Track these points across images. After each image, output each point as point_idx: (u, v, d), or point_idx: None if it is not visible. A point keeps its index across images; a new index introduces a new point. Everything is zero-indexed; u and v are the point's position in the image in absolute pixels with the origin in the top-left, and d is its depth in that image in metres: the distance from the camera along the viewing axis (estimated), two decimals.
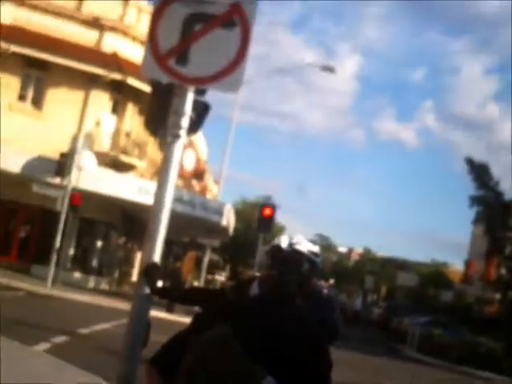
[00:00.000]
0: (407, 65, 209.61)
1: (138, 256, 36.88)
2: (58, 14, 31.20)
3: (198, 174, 48.30)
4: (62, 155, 26.49)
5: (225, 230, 34.15)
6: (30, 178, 26.78)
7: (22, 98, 30.95)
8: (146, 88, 25.48)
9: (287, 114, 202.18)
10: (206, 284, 42.96)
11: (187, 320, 5.19)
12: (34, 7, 30.87)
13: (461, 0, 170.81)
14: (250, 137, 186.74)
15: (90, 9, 31.75)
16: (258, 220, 24.13)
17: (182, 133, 4.81)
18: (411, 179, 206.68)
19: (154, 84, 5.15)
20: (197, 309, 4.99)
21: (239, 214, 49.30)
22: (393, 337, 40.75)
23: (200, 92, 5.00)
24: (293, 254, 4.07)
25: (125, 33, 32.11)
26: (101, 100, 31.58)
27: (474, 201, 37.53)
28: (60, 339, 13.11)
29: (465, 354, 29.46)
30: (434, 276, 77.23)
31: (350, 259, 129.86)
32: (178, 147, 4.81)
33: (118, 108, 32.50)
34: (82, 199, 26.54)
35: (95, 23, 31.77)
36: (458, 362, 28.77)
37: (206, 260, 37.43)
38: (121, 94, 32.06)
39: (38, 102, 31.03)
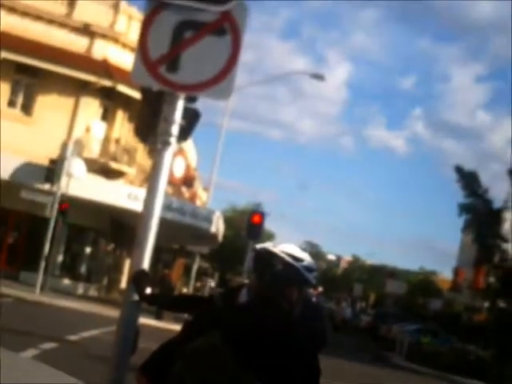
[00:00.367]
0: (398, 72, 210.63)
1: (127, 263, 36.74)
2: (48, 20, 31.13)
3: (188, 181, 48.18)
4: (52, 161, 26.46)
5: (214, 237, 34.15)
6: (19, 184, 26.69)
7: (11, 104, 30.84)
8: (136, 95, 25.43)
9: (277, 122, 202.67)
10: (195, 291, 42.89)
11: (176, 327, 5.20)
12: (25, 14, 30.81)
13: (451, 8, 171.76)
14: (241, 144, 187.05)
15: (80, 16, 31.69)
16: (247, 227, 24.02)
17: (172, 140, 4.81)
18: (400, 187, 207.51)
19: (145, 91, 5.14)
20: (187, 316, 4.98)
21: (228, 221, 49.29)
22: (381, 344, 40.77)
23: (190, 99, 5.01)
24: (264, 254, 4.08)
25: (115, 40, 32.08)
26: (91, 107, 31.54)
27: (463, 209, 37.65)
28: (48, 346, 13.09)
29: (453, 361, 29.56)
30: (423, 284, 77.42)
31: (338, 267, 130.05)
32: (168, 154, 4.80)
33: (108, 115, 32.46)
34: (71, 206, 26.47)
35: (86, 30, 31.72)
36: (446, 369, 28.84)
37: (195, 267, 37.43)
38: (111, 100, 32.03)
39: (27, 109, 30.93)
